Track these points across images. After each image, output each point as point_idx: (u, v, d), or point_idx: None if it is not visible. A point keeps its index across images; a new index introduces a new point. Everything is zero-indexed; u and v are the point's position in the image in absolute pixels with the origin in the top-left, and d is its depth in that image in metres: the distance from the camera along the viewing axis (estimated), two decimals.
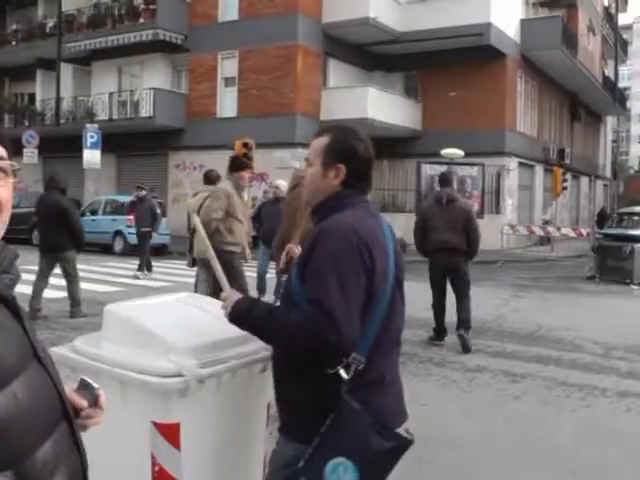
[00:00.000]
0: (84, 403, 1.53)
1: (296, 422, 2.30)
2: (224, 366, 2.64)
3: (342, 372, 2.15)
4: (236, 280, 7.50)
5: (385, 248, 2.31)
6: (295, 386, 2.28)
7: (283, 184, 11.41)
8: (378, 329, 2.23)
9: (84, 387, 1.56)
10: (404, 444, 2.21)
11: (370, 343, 2.21)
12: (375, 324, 2.23)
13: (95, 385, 1.57)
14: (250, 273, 15.69)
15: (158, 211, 16.20)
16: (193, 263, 9.10)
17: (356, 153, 2.37)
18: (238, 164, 8.15)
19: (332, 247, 2.18)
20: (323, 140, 2.39)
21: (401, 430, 2.27)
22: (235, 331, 2.83)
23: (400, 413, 2.40)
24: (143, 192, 15.98)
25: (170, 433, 2.60)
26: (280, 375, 2.38)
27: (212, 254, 2.80)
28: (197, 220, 3.91)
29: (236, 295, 2.42)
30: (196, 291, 8.93)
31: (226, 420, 2.77)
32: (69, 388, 1.52)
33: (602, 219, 31.88)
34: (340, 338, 2.09)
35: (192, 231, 8.86)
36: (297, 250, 2.93)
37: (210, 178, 9.28)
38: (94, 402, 1.56)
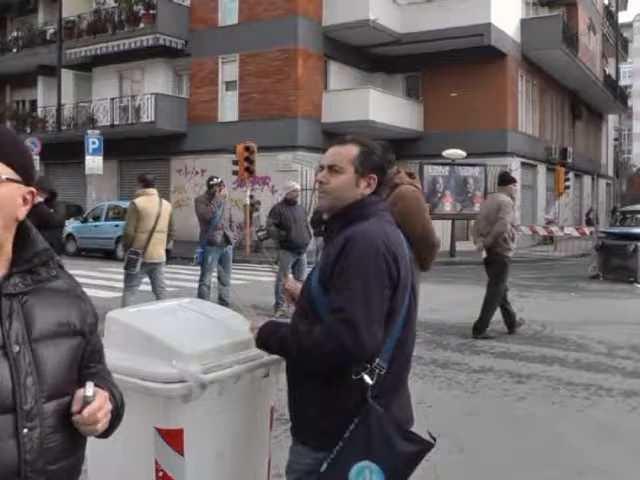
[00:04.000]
0: (75, 407, 1.61)
1: (317, 429, 2.30)
2: (227, 371, 2.63)
3: (367, 378, 2.19)
4: (503, 282, 9.36)
5: (405, 256, 2.36)
6: (316, 393, 2.29)
7: (298, 187, 11.32)
8: (398, 336, 2.29)
9: (83, 393, 1.62)
10: (427, 447, 2.27)
11: (391, 350, 2.27)
12: (396, 331, 2.28)
13: (89, 393, 1.61)
14: (264, 278, 15.70)
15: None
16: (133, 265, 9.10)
17: (382, 164, 2.48)
18: (509, 178, 9.66)
19: (359, 257, 2.21)
20: (352, 149, 2.43)
21: (424, 433, 2.31)
22: (237, 336, 2.83)
23: (410, 417, 2.44)
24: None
25: (173, 439, 2.59)
26: (298, 382, 2.38)
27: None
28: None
29: (261, 320, 2.45)
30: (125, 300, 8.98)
31: (229, 425, 2.76)
32: (80, 391, 1.63)
33: None
34: (363, 350, 2.14)
35: (150, 232, 8.98)
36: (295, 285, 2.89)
37: (146, 181, 9.44)
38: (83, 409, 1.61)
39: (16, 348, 1.54)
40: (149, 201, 9.15)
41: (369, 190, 2.42)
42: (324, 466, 2.20)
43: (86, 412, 1.61)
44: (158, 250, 9.18)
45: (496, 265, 9.27)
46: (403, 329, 2.31)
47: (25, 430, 1.52)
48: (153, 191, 9.29)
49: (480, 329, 9.28)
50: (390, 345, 2.26)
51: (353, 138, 2.49)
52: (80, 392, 1.63)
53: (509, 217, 9.13)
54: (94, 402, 1.62)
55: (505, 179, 9.65)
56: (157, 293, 9.20)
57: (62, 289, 1.71)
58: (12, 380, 1.51)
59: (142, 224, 8.95)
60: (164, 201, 9.43)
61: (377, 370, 2.21)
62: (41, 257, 1.66)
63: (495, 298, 9.37)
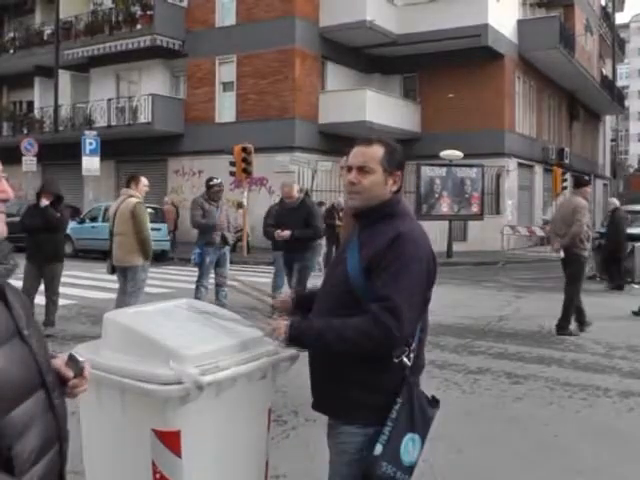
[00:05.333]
0: (70, 374, 1.81)
1: (366, 407, 2.47)
2: (224, 373, 2.63)
3: (406, 360, 2.46)
4: (580, 280, 9.87)
5: None
6: (364, 375, 2.46)
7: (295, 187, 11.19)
8: (423, 322, 2.59)
9: (72, 360, 1.82)
10: (438, 408, 2.63)
11: (419, 334, 2.55)
12: (423, 319, 2.59)
13: (81, 359, 1.82)
14: (260, 279, 15.70)
15: None
16: (112, 270, 8.99)
17: (403, 162, 2.66)
18: (584, 182, 10.36)
19: (410, 254, 2.43)
20: (379, 149, 2.58)
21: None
22: (235, 338, 2.83)
23: None
24: None
25: (171, 440, 2.59)
26: (343, 367, 2.50)
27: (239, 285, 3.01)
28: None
29: (283, 320, 2.59)
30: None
31: (227, 427, 2.76)
32: (60, 360, 1.82)
33: None
34: (402, 338, 2.40)
35: (110, 236, 8.85)
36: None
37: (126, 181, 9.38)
38: (79, 373, 1.82)
39: (26, 332, 1.67)
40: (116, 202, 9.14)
41: (395, 187, 2.60)
42: (379, 448, 2.40)
43: (87, 373, 1.84)
44: (118, 253, 8.70)
45: (573, 264, 9.81)
46: (425, 317, 2.62)
47: (55, 401, 1.70)
48: (122, 191, 9.10)
49: (563, 327, 9.75)
50: (419, 330, 2.54)
51: (377, 139, 2.64)
52: (58, 362, 1.81)
53: (585, 219, 9.77)
54: (86, 366, 1.83)
55: (580, 183, 10.34)
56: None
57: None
58: (35, 360, 1.67)
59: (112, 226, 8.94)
60: (126, 200, 8.72)
61: (412, 354, 2.48)
62: (3, 249, 1.83)
63: (575, 296, 9.85)
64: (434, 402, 2.61)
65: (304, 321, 2.59)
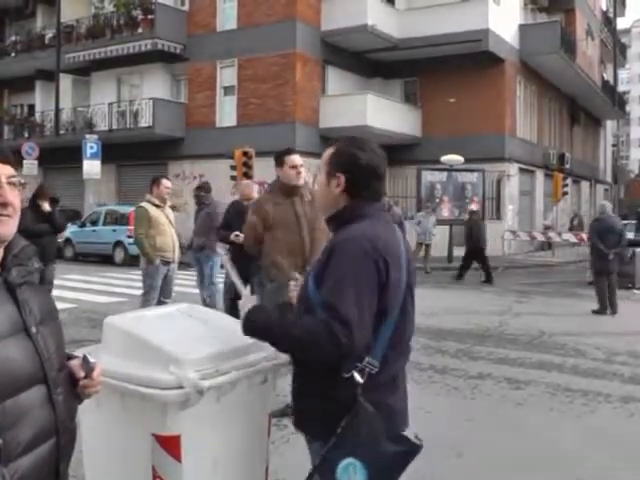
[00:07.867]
0: (80, 374, 1.88)
1: (322, 423, 2.33)
2: (224, 378, 2.63)
3: (357, 376, 2.24)
4: None
5: (399, 258, 2.38)
6: (316, 390, 2.34)
7: None
8: (391, 334, 2.33)
9: (84, 361, 1.88)
10: (414, 450, 2.28)
11: (384, 348, 2.31)
12: (388, 330, 2.32)
13: (92, 360, 1.88)
14: None
15: None
16: None
17: (356, 162, 2.43)
18: None
19: (349, 257, 2.26)
20: (329, 151, 2.51)
21: (410, 435, 2.33)
22: (235, 342, 2.82)
23: (405, 414, 2.48)
24: None
25: (171, 445, 2.58)
26: (302, 381, 2.41)
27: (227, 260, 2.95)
28: None
29: (251, 302, 2.45)
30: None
31: (227, 431, 2.75)
32: (77, 361, 1.90)
33: None
34: (352, 343, 2.17)
35: None
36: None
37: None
38: (89, 373, 1.88)
39: (34, 330, 1.75)
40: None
41: (339, 189, 2.44)
42: (317, 460, 2.28)
43: (96, 374, 1.89)
44: None
45: None
46: (397, 328, 2.35)
47: (56, 396, 1.76)
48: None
49: None
50: (382, 344, 2.30)
51: (337, 139, 2.57)
52: (75, 363, 1.89)
53: None
54: (97, 367, 1.89)
55: None
56: None
57: (34, 280, 1.89)
58: (39, 356, 1.74)
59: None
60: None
61: (367, 369, 2.25)
62: (27, 252, 1.83)
63: None
64: (401, 438, 2.31)
65: (262, 311, 2.42)
